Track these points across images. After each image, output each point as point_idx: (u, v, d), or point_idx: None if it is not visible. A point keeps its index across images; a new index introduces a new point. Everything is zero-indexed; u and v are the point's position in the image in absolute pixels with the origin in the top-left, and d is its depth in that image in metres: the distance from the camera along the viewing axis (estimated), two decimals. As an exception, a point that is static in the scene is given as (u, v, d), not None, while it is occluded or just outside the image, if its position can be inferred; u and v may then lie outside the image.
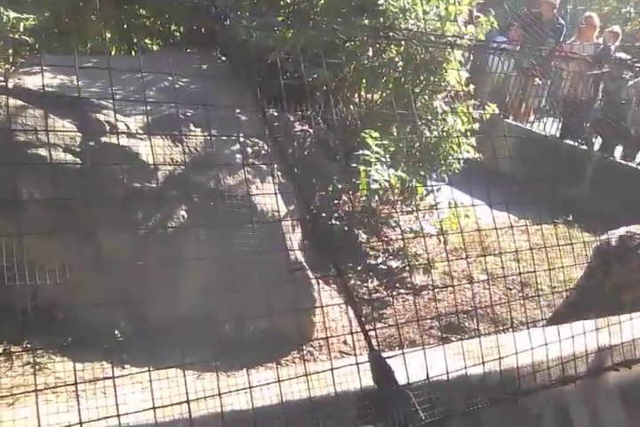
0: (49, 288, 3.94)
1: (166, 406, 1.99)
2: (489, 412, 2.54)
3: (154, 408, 1.98)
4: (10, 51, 5.72)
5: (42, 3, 6.30)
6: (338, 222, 5.45)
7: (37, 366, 3.76)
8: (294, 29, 5.72)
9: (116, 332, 4.00)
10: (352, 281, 5.31)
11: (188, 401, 1.95)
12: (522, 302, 4.30)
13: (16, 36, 5.95)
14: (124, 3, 6.41)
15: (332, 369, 2.19)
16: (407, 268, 5.40)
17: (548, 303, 4.57)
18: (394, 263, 5.52)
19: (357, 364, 2.23)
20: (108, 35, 6.36)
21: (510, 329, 3.43)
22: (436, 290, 5.11)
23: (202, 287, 4.23)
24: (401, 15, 5.39)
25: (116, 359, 3.85)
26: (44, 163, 3.90)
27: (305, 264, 4.58)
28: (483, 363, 2.53)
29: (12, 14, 6.05)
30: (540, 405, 2.75)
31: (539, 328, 3.13)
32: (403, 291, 5.21)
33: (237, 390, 2.03)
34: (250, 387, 2.03)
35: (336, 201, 5.65)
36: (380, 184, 5.24)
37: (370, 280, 5.38)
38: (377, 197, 5.55)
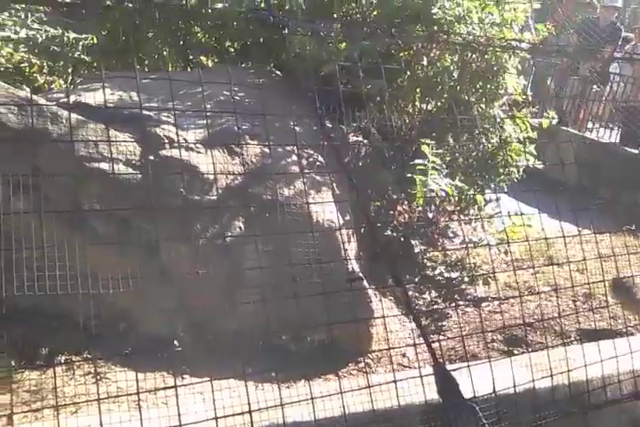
0: (110, 299, 4.01)
1: (228, 415, 1.98)
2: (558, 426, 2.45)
3: (216, 418, 1.97)
4: (70, 69, 5.90)
5: (100, 23, 6.48)
6: (394, 233, 5.39)
7: (98, 376, 3.81)
8: (348, 40, 5.73)
9: (175, 342, 4.02)
10: (409, 293, 5.24)
11: (250, 411, 1.93)
12: (588, 313, 4.16)
13: (75, 55, 6.14)
14: (181, 20, 6.54)
15: (394, 381, 2.14)
16: (466, 279, 5.30)
17: (614, 315, 4.42)
18: (452, 274, 5.42)
19: (421, 376, 2.17)
20: (165, 52, 6.48)
21: (578, 341, 3.31)
22: (497, 302, 4.99)
23: (260, 298, 4.22)
24: (456, 23, 5.33)
25: (175, 370, 3.88)
26: (106, 175, 3.97)
27: (362, 275, 4.54)
28: (551, 376, 2.44)
29: (72, 35, 6.24)
30: (611, 420, 2.64)
31: (608, 340, 3.01)
32: (462, 303, 5.11)
33: (299, 401, 2.00)
34: (312, 398, 2.00)
35: (392, 211, 5.58)
36: (436, 193, 5.17)
37: (428, 292, 5.29)
38: (434, 207, 5.48)
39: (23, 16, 6.04)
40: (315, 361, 3.99)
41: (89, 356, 3.98)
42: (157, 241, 4.05)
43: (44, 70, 6.09)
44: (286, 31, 2.81)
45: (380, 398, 2.15)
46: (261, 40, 5.88)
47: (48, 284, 3.54)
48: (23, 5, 5.99)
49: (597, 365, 2.63)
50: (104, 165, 4.03)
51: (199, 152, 4.30)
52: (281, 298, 4.21)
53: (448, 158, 5.53)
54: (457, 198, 5.45)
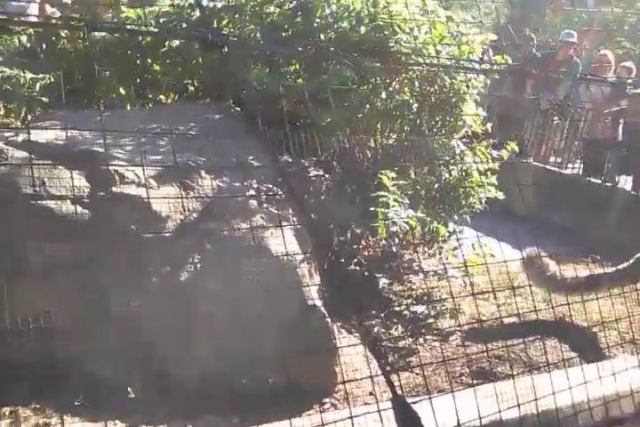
0: (59, 346, 3.81)
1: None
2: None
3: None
4: (24, 109, 5.79)
5: (57, 63, 6.42)
6: (358, 268, 5.27)
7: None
8: (306, 74, 5.72)
9: (129, 389, 3.80)
10: (375, 329, 5.09)
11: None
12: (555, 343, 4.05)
13: (32, 95, 6.04)
14: (138, 59, 6.49)
15: (351, 417, 1.98)
16: (432, 313, 5.17)
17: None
18: (418, 309, 5.29)
19: (379, 411, 2.02)
20: (122, 91, 6.41)
21: (546, 369, 3.18)
22: (464, 335, 4.87)
23: (216, 342, 4.05)
24: (413, 56, 5.34)
25: (130, 420, 3.67)
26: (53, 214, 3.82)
27: (324, 311, 4.39)
28: (518, 405, 2.31)
29: (29, 75, 6.15)
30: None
31: (577, 367, 2.89)
32: (429, 337, 4.96)
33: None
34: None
35: (355, 246, 5.48)
36: (399, 226, 5.08)
37: (394, 327, 5.14)
38: (397, 240, 5.38)
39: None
40: (278, 404, 3.80)
41: (37, 406, 3.77)
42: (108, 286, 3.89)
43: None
44: (226, 50, 2.72)
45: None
46: (220, 76, 5.82)
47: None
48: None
49: (567, 392, 2.50)
50: (51, 204, 3.88)
51: (151, 188, 4.17)
52: (239, 342, 4.07)
53: (410, 191, 5.46)
54: (420, 231, 5.35)
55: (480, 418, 2.19)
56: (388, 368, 2.31)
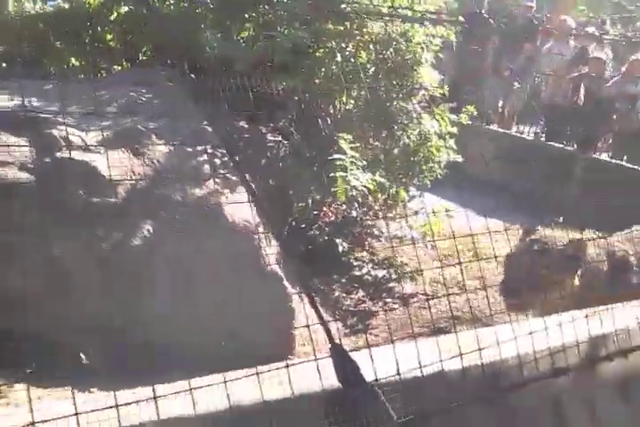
0: (11, 315, 3.74)
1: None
2: (471, 409, 2.31)
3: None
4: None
5: (6, 34, 6.24)
6: (318, 233, 5.24)
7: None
8: (260, 40, 5.61)
9: (82, 355, 3.76)
10: (337, 293, 5.09)
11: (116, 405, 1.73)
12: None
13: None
14: (88, 28, 6.32)
15: (287, 366, 1.96)
16: (393, 276, 5.18)
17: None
18: (379, 273, 5.29)
19: (316, 359, 2.00)
20: (73, 61, 6.26)
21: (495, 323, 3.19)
22: (424, 298, 4.89)
23: (171, 309, 4.00)
24: (366, 17, 5.27)
25: (82, 385, 3.62)
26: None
27: (282, 276, 4.37)
28: (460, 355, 2.31)
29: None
30: (529, 400, 2.52)
31: (524, 320, 2.91)
32: (389, 300, 4.98)
33: (177, 392, 1.81)
34: (190, 389, 1.81)
35: (316, 211, 5.44)
36: (358, 190, 5.05)
37: (355, 292, 5.15)
38: (357, 205, 5.35)
39: None
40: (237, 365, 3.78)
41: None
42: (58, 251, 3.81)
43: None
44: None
45: (273, 387, 1.97)
46: (171, 42, 5.69)
47: None
48: None
49: (512, 344, 2.51)
50: (-5, 170, 3.77)
51: (99, 153, 4.07)
52: (196, 305, 4.03)
53: (369, 154, 5.42)
54: (379, 195, 5.33)
55: (421, 367, 2.18)
56: (321, 315, 2.28)
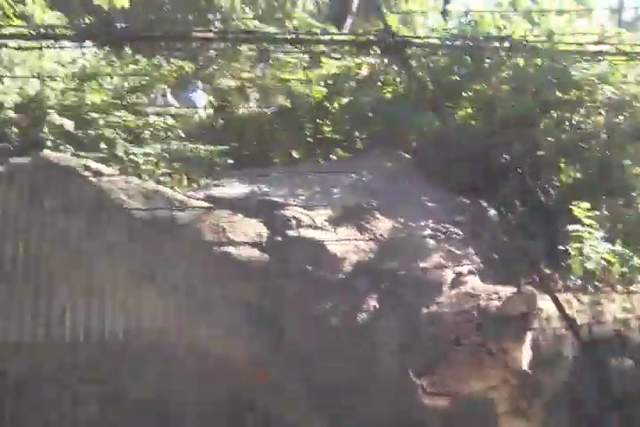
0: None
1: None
2: None
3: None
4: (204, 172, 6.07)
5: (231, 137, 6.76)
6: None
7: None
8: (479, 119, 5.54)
9: None
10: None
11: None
12: None
13: (211, 160, 6.35)
14: (308, 123, 6.65)
15: None
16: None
17: None
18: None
19: None
20: (294, 154, 6.57)
21: None
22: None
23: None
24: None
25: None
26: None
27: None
28: None
29: (210, 147, 6.52)
30: None
31: None
32: None
33: None
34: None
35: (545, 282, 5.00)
36: (596, 263, 4.60)
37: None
38: (594, 279, 4.85)
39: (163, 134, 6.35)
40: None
41: None
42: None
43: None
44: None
45: None
46: (388, 126, 5.81)
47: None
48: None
49: None
50: (230, 249, 3.97)
51: (327, 230, 4.14)
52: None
53: (607, 224, 4.98)
54: (619, 267, 4.80)
55: None
56: None
